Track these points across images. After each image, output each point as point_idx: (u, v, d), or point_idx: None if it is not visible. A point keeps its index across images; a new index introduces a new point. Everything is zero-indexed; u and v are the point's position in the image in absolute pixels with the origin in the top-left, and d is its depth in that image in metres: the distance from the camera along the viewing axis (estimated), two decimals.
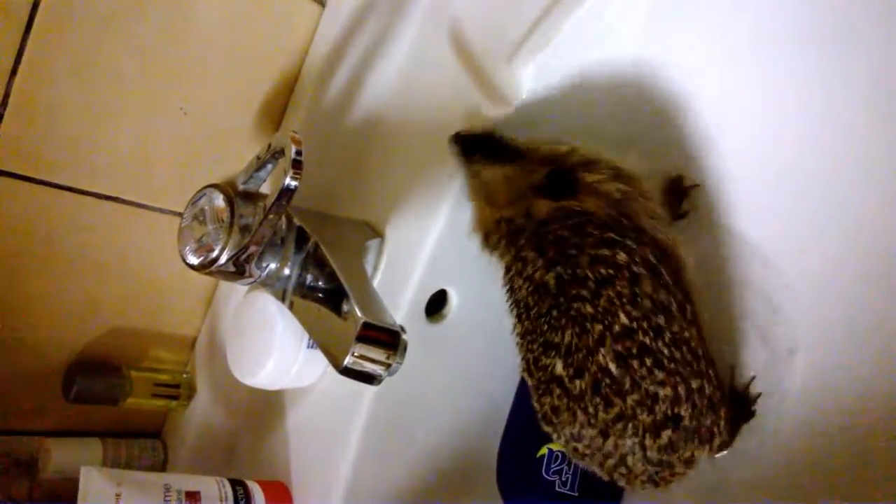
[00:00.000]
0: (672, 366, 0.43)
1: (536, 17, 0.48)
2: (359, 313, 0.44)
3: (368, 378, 0.44)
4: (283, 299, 0.52)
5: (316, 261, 0.51)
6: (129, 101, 0.57)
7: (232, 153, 0.62)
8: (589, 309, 0.43)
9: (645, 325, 0.43)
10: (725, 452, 0.52)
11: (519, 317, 0.47)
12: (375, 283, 0.53)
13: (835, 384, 0.52)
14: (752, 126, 0.53)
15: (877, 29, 0.49)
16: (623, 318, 0.43)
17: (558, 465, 0.57)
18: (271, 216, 0.47)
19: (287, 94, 0.64)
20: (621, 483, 0.47)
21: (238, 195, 0.50)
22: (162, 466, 0.67)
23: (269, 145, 0.48)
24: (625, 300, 0.43)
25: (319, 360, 0.54)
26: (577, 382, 0.43)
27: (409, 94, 0.56)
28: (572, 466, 0.57)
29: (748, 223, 0.55)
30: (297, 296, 0.51)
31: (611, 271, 0.43)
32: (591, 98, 0.51)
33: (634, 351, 0.43)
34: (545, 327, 0.45)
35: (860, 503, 0.49)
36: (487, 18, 0.52)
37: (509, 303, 0.48)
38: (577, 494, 0.57)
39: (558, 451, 0.57)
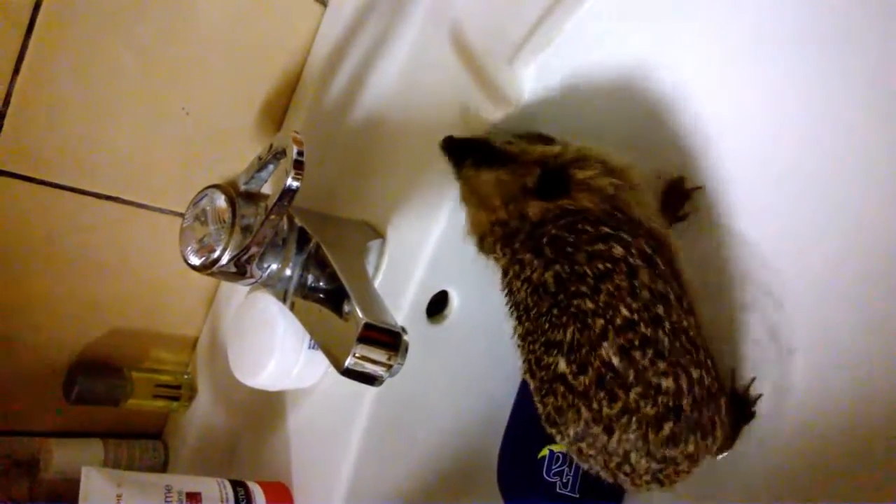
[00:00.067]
0: (672, 356, 0.43)
1: (537, 18, 0.48)
2: (360, 314, 0.44)
3: (370, 379, 0.44)
4: (284, 300, 0.52)
5: (317, 261, 0.51)
6: (131, 101, 0.57)
7: (233, 153, 0.62)
8: (589, 304, 0.43)
9: (645, 315, 0.43)
10: (726, 454, 0.52)
11: (519, 319, 0.47)
12: (377, 283, 0.53)
13: (835, 385, 0.52)
14: (751, 126, 0.53)
15: (876, 29, 0.49)
16: (624, 311, 0.43)
17: (559, 467, 0.57)
18: (273, 217, 0.47)
19: (288, 94, 0.64)
20: (626, 485, 0.46)
21: (239, 196, 0.50)
22: (163, 467, 0.67)
23: (271, 146, 0.48)
24: (624, 293, 0.43)
25: (320, 361, 0.54)
26: (581, 378, 0.43)
27: (410, 94, 0.56)
28: (573, 468, 0.57)
29: (748, 223, 0.55)
30: (299, 296, 0.51)
31: (608, 265, 0.43)
32: (591, 98, 0.51)
33: (636, 342, 0.43)
34: (546, 326, 0.45)
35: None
36: (488, 19, 0.52)
37: (509, 305, 0.48)
38: (577, 496, 0.57)
39: (559, 452, 0.57)
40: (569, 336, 0.44)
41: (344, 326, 0.46)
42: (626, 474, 0.46)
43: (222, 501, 0.51)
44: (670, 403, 0.43)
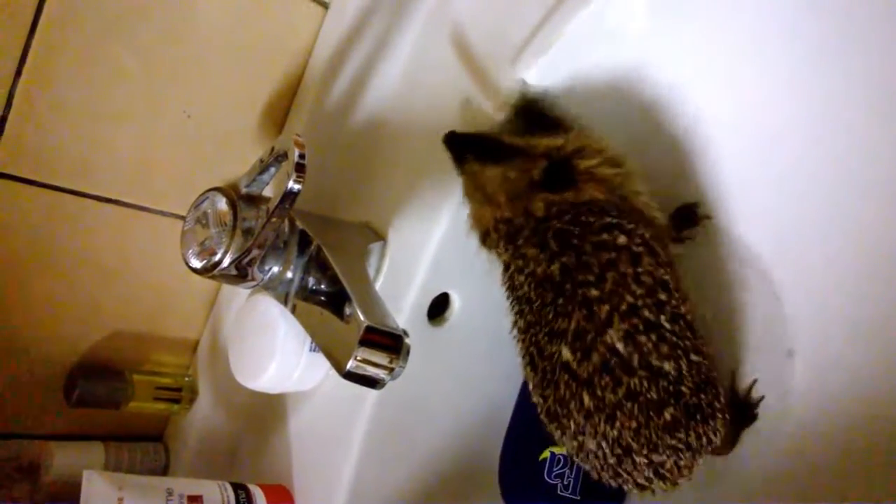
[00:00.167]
0: (673, 339, 0.44)
1: (539, 20, 0.48)
2: (361, 317, 0.44)
3: (371, 382, 0.44)
4: (285, 303, 0.52)
5: (318, 264, 0.51)
6: (132, 103, 0.57)
7: (235, 156, 0.62)
8: (595, 292, 0.44)
9: (649, 301, 0.44)
10: (727, 456, 0.52)
11: (520, 312, 0.47)
12: (378, 286, 0.53)
13: (836, 386, 0.52)
14: (751, 127, 0.53)
15: (877, 29, 0.49)
16: (628, 297, 0.43)
17: (560, 469, 0.57)
18: (274, 220, 0.47)
19: (290, 96, 0.64)
20: (628, 485, 0.46)
21: (241, 198, 0.50)
22: (164, 470, 0.67)
23: (273, 148, 0.48)
24: (629, 279, 0.44)
25: (321, 364, 0.54)
26: (585, 365, 0.44)
27: (411, 96, 0.56)
28: (574, 470, 0.57)
29: (748, 224, 0.55)
30: (300, 299, 0.51)
31: (613, 254, 0.44)
32: (592, 100, 0.51)
33: (641, 327, 0.43)
34: (550, 316, 0.45)
35: None
36: (490, 21, 0.52)
37: (509, 300, 0.48)
38: (578, 498, 0.57)
39: (560, 454, 0.57)
40: (573, 324, 0.44)
41: (345, 329, 0.46)
42: (627, 472, 0.45)
43: None
44: (671, 388, 0.43)
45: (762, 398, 0.54)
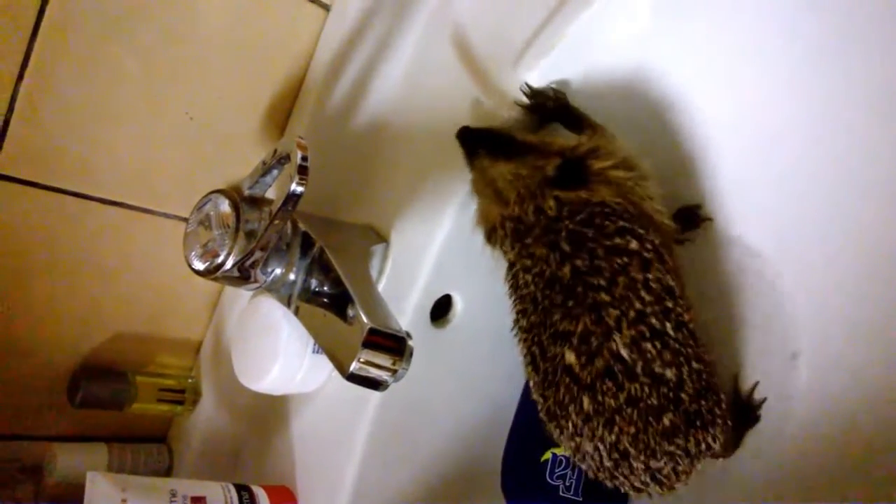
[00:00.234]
0: (676, 346, 0.44)
1: (541, 22, 0.48)
2: (365, 319, 0.44)
3: (374, 384, 0.44)
4: (288, 304, 0.52)
5: (321, 266, 0.51)
6: (134, 106, 0.57)
7: (237, 158, 0.62)
8: (605, 297, 0.44)
9: (657, 308, 0.44)
10: (730, 458, 0.52)
11: (523, 311, 0.47)
12: (380, 287, 0.53)
13: (836, 386, 0.52)
14: (752, 127, 0.53)
15: (877, 29, 0.49)
16: (637, 304, 0.43)
17: (562, 470, 0.57)
18: (277, 222, 0.47)
19: (292, 98, 0.64)
20: (624, 487, 0.46)
21: (243, 200, 0.50)
22: (167, 471, 0.67)
23: (275, 151, 0.48)
24: (639, 285, 0.44)
25: (324, 366, 0.54)
26: (589, 369, 0.44)
27: (413, 98, 0.56)
28: (576, 471, 0.57)
29: (748, 224, 0.55)
30: (303, 301, 0.51)
31: (625, 259, 0.44)
32: (593, 101, 0.51)
33: (647, 334, 0.43)
34: (556, 318, 0.45)
35: None
36: (492, 22, 0.52)
37: (512, 299, 0.48)
38: (580, 499, 0.57)
39: (562, 455, 0.57)
40: (580, 327, 0.44)
41: (348, 331, 0.46)
42: (623, 475, 0.45)
43: None
44: (671, 394, 0.43)
45: (764, 400, 0.54)
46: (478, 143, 0.48)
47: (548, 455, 0.57)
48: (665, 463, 0.45)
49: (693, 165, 0.55)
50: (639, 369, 0.43)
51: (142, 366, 0.66)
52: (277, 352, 0.52)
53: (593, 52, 0.50)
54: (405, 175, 0.54)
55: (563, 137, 0.49)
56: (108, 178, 0.58)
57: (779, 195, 0.54)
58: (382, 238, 0.54)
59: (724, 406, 0.46)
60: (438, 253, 0.51)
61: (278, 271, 0.51)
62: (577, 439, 0.45)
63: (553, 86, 0.49)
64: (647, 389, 0.43)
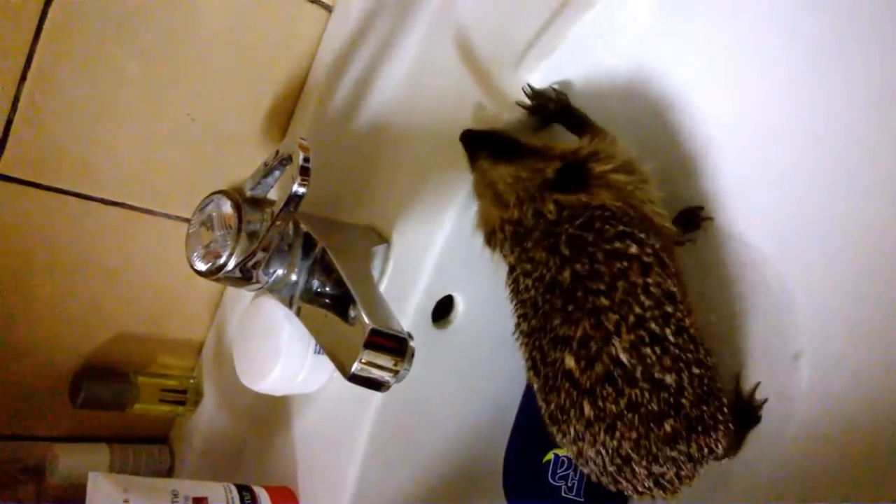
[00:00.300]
0: (676, 351, 0.44)
1: (542, 24, 0.48)
2: (366, 319, 0.44)
3: (376, 385, 0.44)
4: (290, 305, 0.52)
5: (323, 266, 0.51)
6: (136, 107, 0.57)
7: (239, 159, 0.62)
8: (605, 301, 0.44)
9: (656, 313, 0.44)
10: (732, 458, 0.52)
11: (524, 316, 0.47)
12: (382, 288, 0.53)
13: (837, 387, 0.52)
14: (752, 126, 0.53)
15: (877, 29, 0.49)
16: (637, 308, 0.43)
17: (564, 471, 0.57)
18: (279, 222, 0.47)
19: (294, 99, 0.64)
20: (628, 491, 0.46)
21: (246, 201, 0.50)
22: (169, 472, 0.67)
23: (277, 152, 0.48)
24: (638, 290, 0.44)
25: (326, 366, 0.54)
26: (589, 374, 0.44)
27: (415, 99, 0.56)
28: (578, 472, 0.57)
29: (748, 224, 0.55)
30: (304, 301, 0.51)
31: (625, 263, 0.44)
32: (594, 102, 0.51)
33: (647, 339, 0.43)
34: (556, 322, 0.45)
35: None
36: (494, 24, 0.53)
37: (513, 303, 0.48)
38: (582, 500, 0.57)
39: (564, 456, 0.57)
40: (580, 332, 0.44)
41: (350, 332, 0.46)
42: (626, 480, 0.46)
43: None
44: (671, 400, 0.43)
45: (765, 401, 0.54)
46: (480, 145, 0.49)
47: (550, 456, 0.57)
48: (668, 468, 0.45)
49: (693, 165, 0.55)
50: (638, 374, 0.43)
51: (143, 366, 0.66)
52: (279, 352, 0.52)
53: (595, 53, 0.50)
54: (407, 176, 0.55)
55: (565, 139, 0.49)
56: (109, 179, 0.58)
57: (779, 195, 0.54)
58: (384, 239, 0.54)
59: (726, 410, 0.46)
60: (440, 253, 0.51)
61: (280, 272, 0.51)
62: (580, 444, 0.45)
63: (555, 87, 0.49)
64: (647, 395, 0.43)
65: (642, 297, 0.44)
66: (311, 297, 0.51)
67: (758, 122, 0.53)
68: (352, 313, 0.47)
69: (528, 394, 0.57)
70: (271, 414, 0.60)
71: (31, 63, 0.52)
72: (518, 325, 0.48)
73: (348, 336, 0.45)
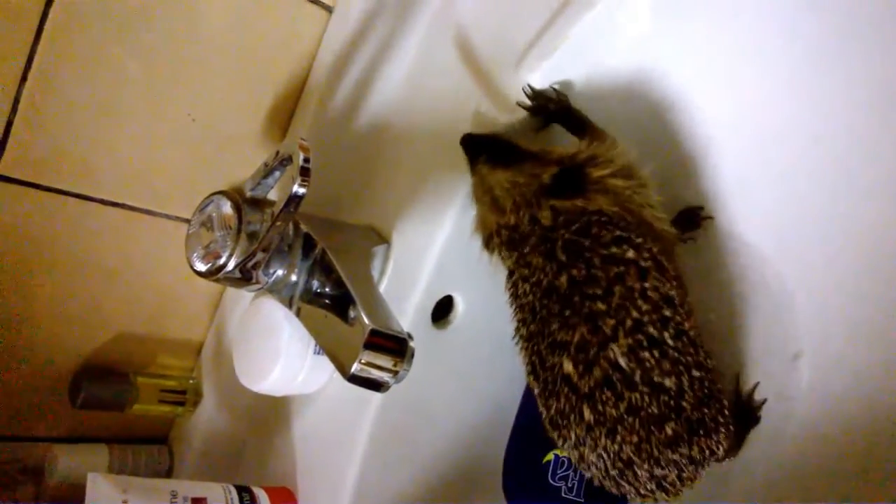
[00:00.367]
0: (675, 355, 0.44)
1: (543, 24, 0.49)
2: (366, 320, 0.44)
3: (376, 385, 0.44)
4: (289, 305, 0.52)
5: (323, 267, 0.51)
6: (137, 107, 0.57)
7: (239, 159, 0.62)
8: (601, 306, 0.44)
9: (654, 317, 0.44)
10: (732, 459, 0.52)
11: (523, 320, 0.47)
12: (382, 288, 0.53)
13: (837, 387, 0.52)
14: (751, 126, 0.53)
15: (877, 28, 0.49)
16: (634, 313, 0.43)
17: (564, 471, 0.57)
18: (279, 223, 0.47)
19: (294, 99, 0.64)
20: (631, 495, 0.46)
21: (246, 202, 0.50)
22: (168, 473, 0.67)
23: (277, 152, 0.48)
24: (636, 294, 0.44)
25: (326, 367, 0.54)
26: (587, 379, 0.44)
27: (415, 99, 0.56)
28: (578, 472, 0.57)
29: (748, 224, 0.55)
30: (304, 302, 0.51)
31: (622, 268, 0.44)
32: (594, 102, 0.51)
33: (645, 343, 0.43)
34: (554, 327, 0.45)
35: None
36: (494, 24, 0.53)
37: (513, 307, 0.48)
38: (582, 500, 0.57)
39: (564, 456, 0.57)
40: (577, 337, 0.44)
41: (350, 332, 0.46)
42: (629, 483, 0.46)
43: None
44: (672, 403, 0.43)
45: (765, 401, 0.54)
46: (479, 149, 0.49)
47: (550, 456, 0.57)
48: (670, 471, 0.45)
49: (694, 165, 0.55)
50: (637, 378, 0.43)
51: (143, 367, 0.65)
52: (279, 353, 0.52)
53: (595, 53, 0.50)
54: (407, 176, 0.55)
55: (565, 143, 0.49)
56: (109, 180, 0.58)
57: (779, 195, 0.54)
58: (384, 239, 0.54)
59: (727, 413, 0.46)
60: (440, 254, 0.51)
61: (280, 272, 0.51)
62: (581, 449, 0.45)
63: (556, 87, 0.49)
64: (646, 398, 0.43)
65: (640, 302, 0.44)
66: (311, 297, 0.51)
67: (758, 122, 0.53)
68: (351, 314, 0.47)
69: (528, 394, 0.57)
70: (271, 414, 0.60)
71: (31, 64, 0.52)
72: (518, 329, 0.48)
73: (348, 336, 0.45)
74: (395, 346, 0.44)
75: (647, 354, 0.43)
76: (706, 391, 0.45)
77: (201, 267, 0.50)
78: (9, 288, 0.57)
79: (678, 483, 0.45)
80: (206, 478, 0.62)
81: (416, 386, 0.47)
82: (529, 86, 0.49)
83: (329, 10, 0.63)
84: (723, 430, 0.45)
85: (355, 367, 0.43)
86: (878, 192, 0.51)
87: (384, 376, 0.44)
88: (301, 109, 0.64)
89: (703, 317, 0.54)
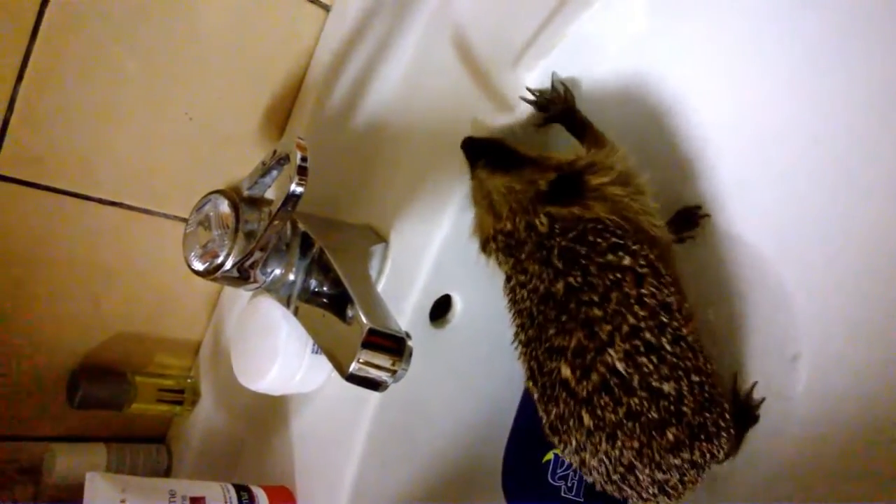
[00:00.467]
0: (674, 360, 0.44)
1: (541, 22, 0.48)
2: (364, 319, 0.44)
3: (374, 384, 0.44)
4: (287, 305, 0.52)
5: (321, 266, 0.51)
6: (134, 106, 0.57)
7: (237, 158, 0.62)
8: (598, 312, 0.44)
9: (651, 323, 0.44)
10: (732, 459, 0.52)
11: (521, 325, 0.47)
12: (380, 287, 0.53)
13: (837, 387, 0.52)
14: (751, 126, 0.53)
15: (877, 28, 0.49)
16: (631, 319, 0.44)
17: (564, 471, 0.57)
18: (276, 222, 0.47)
19: (292, 98, 0.64)
20: (633, 499, 0.46)
21: (243, 201, 0.50)
22: (166, 472, 0.67)
23: (275, 151, 0.48)
24: (632, 300, 0.44)
25: (324, 366, 0.54)
26: (585, 384, 0.44)
27: (413, 99, 0.56)
28: (578, 472, 0.57)
29: (748, 224, 0.55)
30: (302, 301, 0.51)
31: (618, 275, 0.44)
32: (593, 101, 0.51)
33: (642, 349, 0.43)
34: (551, 332, 0.45)
35: None
36: (492, 23, 0.53)
37: (511, 312, 0.48)
38: (582, 500, 0.57)
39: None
40: (574, 342, 0.44)
41: (348, 331, 0.46)
42: (631, 487, 0.46)
43: None
44: (672, 408, 0.43)
45: (763, 400, 0.54)
46: (479, 153, 0.49)
47: (549, 456, 0.57)
48: (672, 475, 0.45)
49: (693, 166, 0.55)
50: (636, 383, 0.43)
51: (141, 366, 0.65)
52: (276, 352, 0.52)
53: (593, 51, 0.50)
54: (405, 175, 0.54)
55: (565, 147, 0.49)
56: (107, 179, 0.58)
57: (778, 195, 0.54)
58: (382, 238, 0.54)
59: (728, 416, 0.46)
60: (438, 253, 0.51)
61: (278, 272, 0.51)
62: (582, 454, 0.46)
63: (565, 84, 0.49)
64: (646, 403, 0.43)
65: (636, 308, 0.44)
66: (309, 296, 0.51)
67: (758, 122, 0.53)
68: (349, 313, 0.47)
69: (528, 393, 0.57)
70: (269, 413, 0.60)
71: (28, 62, 0.52)
72: (517, 334, 0.48)
73: (346, 336, 0.45)
74: (393, 345, 0.44)
75: (644, 360, 0.43)
76: (707, 395, 0.45)
77: (199, 266, 0.50)
78: (6, 287, 0.57)
79: (680, 487, 0.46)
80: (204, 477, 0.62)
81: (414, 385, 0.47)
82: (531, 87, 0.49)
83: (327, 8, 0.63)
84: (724, 434, 0.46)
85: (353, 367, 0.43)
86: (878, 192, 0.51)
87: (382, 375, 0.44)
88: (298, 108, 0.64)
89: (702, 317, 0.54)
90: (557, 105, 0.49)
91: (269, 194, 0.52)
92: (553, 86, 0.49)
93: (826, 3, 0.49)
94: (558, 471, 0.57)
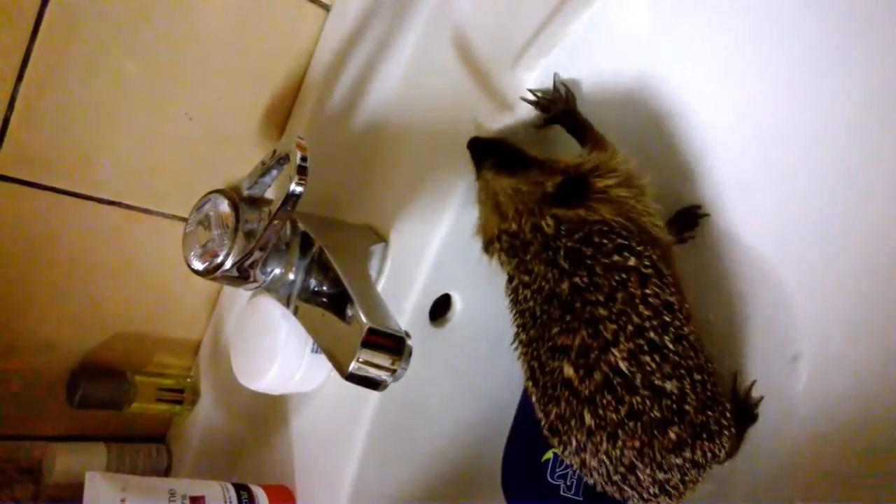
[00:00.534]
0: (676, 359, 0.44)
1: (541, 21, 0.48)
2: (364, 319, 0.44)
3: (373, 384, 0.44)
4: (287, 304, 0.52)
5: (320, 266, 0.51)
6: (134, 106, 0.57)
7: (236, 158, 0.62)
8: (603, 311, 0.44)
9: (655, 322, 0.44)
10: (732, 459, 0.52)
11: (523, 326, 0.47)
12: (379, 287, 0.53)
13: (837, 387, 0.52)
14: (751, 126, 0.53)
15: (877, 28, 0.49)
16: (635, 318, 0.44)
17: (563, 470, 0.57)
18: (276, 222, 0.47)
19: (291, 98, 0.64)
20: (634, 500, 0.46)
21: (243, 200, 0.50)
22: (166, 471, 0.67)
23: (274, 151, 0.48)
24: (637, 300, 0.44)
25: (323, 365, 0.54)
26: (587, 382, 0.44)
27: (413, 98, 0.56)
28: (577, 471, 0.57)
29: (749, 225, 0.55)
30: (302, 301, 0.51)
31: (623, 275, 0.44)
32: (594, 102, 0.51)
33: (646, 348, 0.44)
34: (555, 331, 0.45)
35: None
36: (491, 23, 0.52)
37: (512, 312, 0.48)
38: (581, 499, 0.57)
39: None
40: (578, 341, 0.44)
41: (347, 331, 0.46)
42: (631, 487, 0.46)
43: None
44: (675, 407, 0.43)
45: (762, 398, 0.54)
46: (485, 154, 0.49)
47: (549, 455, 0.57)
48: (673, 475, 0.45)
49: (693, 166, 0.55)
50: (638, 382, 0.43)
51: (141, 365, 0.65)
52: (276, 351, 0.52)
53: (594, 51, 0.50)
54: (405, 175, 0.54)
55: (567, 150, 0.49)
56: (107, 179, 0.58)
57: (779, 195, 0.54)
58: (381, 238, 0.54)
59: (729, 415, 0.46)
60: (437, 252, 0.51)
61: (277, 271, 0.51)
62: (582, 455, 0.46)
63: (566, 86, 0.49)
64: (648, 402, 0.43)
65: (641, 308, 0.44)
66: (309, 296, 0.51)
67: (758, 122, 0.53)
68: (349, 312, 0.47)
69: (527, 393, 0.57)
70: (269, 413, 0.60)
71: (28, 62, 0.52)
72: (517, 335, 0.48)
73: (346, 335, 0.45)
74: (392, 344, 0.44)
75: (647, 358, 0.43)
76: (709, 394, 0.45)
77: (199, 265, 0.50)
78: (6, 287, 0.57)
79: (681, 486, 0.46)
80: (204, 476, 0.62)
81: (413, 384, 0.47)
82: (537, 90, 0.49)
83: (327, 8, 0.63)
84: (726, 433, 0.46)
85: (353, 366, 0.43)
86: (878, 192, 0.51)
87: (382, 375, 0.44)
88: (298, 108, 0.64)
89: (702, 317, 0.54)
90: (559, 106, 0.49)
91: (269, 194, 0.52)
92: (555, 86, 0.49)
93: (826, 3, 0.49)
94: (557, 469, 0.57)
